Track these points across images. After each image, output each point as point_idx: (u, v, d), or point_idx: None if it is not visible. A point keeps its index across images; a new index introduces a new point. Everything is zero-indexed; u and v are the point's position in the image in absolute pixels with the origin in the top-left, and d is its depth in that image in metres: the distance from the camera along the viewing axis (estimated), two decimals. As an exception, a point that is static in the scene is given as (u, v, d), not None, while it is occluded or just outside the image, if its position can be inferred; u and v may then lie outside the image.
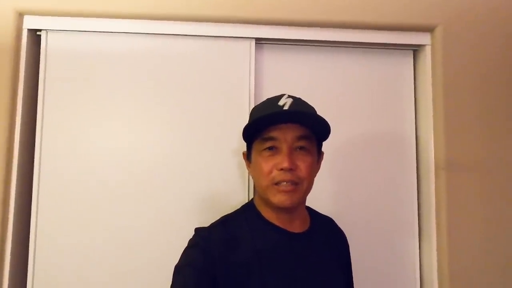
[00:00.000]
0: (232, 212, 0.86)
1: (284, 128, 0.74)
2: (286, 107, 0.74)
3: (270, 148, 0.75)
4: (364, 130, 1.24)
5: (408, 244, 1.23)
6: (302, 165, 0.74)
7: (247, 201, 1.09)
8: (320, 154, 0.83)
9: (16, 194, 1.07)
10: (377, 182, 1.23)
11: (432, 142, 1.19)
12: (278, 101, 0.76)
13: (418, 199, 1.24)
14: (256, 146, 0.78)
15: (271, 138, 0.75)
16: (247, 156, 0.84)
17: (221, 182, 1.14)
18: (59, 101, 1.12)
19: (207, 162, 1.14)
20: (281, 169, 0.73)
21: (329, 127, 0.76)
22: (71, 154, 1.11)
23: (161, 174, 1.13)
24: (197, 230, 0.80)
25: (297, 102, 0.77)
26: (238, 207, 0.88)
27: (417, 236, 1.23)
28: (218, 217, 0.85)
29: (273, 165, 0.74)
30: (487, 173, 1.17)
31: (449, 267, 1.12)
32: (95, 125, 1.13)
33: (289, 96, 0.77)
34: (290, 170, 0.73)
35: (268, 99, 0.81)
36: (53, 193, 1.09)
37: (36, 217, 1.09)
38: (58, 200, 1.09)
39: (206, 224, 0.82)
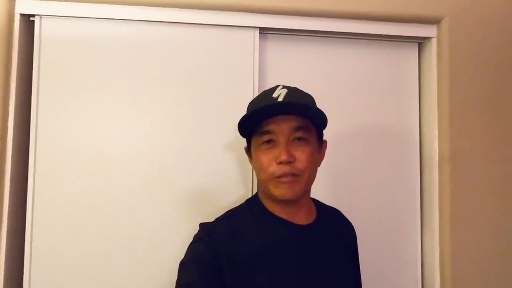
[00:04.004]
0: (237, 206, 0.85)
1: (280, 120, 0.73)
2: (280, 99, 0.73)
3: (267, 142, 0.75)
4: (367, 123, 1.23)
5: (410, 236, 1.23)
6: (301, 156, 0.73)
7: (249, 196, 1.09)
8: (321, 143, 0.81)
9: (10, 186, 1.03)
10: (379, 175, 1.22)
11: (437, 136, 1.19)
12: (273, 93, 0.75)
13: (421, 193, 1.25)
14: (255, 141, 0.78)
15: (268, 132, 0.74)
16: (248, 151, 0.83)
17: (223, 176, 1.11)
18: (54, 90, 1.07)
19: (209, 156, 1.11)
20: (280, 163, 0.72)
21: (324, 116, 0.75)
22: (66, 145, 1.07)
23: (160, 168, 1.09)
24: (202, 225, 0.80)
25: (292, 92, 0.75)
26: (239, 202, 0.87)
27: (419, 229, 1.24)
28: (218, 213, 0.84)
29: (272, 158, 0.73)
30: (491, 167, 1.17)
31: (451, 259, 1.13)
32: (91, 116, 1.08)
33: (284, 87, 0.76)
34: (288, 162, 0.72)
35: (263, 92, 0.80)
36: (48, 183, 1.05)
37: (32, 218, 1.04)
38: (54, 191, 1.05)
39: (207, 219, 0.82)
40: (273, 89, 0.77)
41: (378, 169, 1.22)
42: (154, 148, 1.10)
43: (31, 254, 1.04)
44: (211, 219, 0.82)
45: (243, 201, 0.88)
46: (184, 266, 0.72)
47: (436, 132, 1.19)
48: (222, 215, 0.82)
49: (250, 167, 1.12)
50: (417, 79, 1.27)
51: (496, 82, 1.18)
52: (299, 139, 0.74)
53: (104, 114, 1.09)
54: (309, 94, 0.81)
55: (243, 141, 1.10)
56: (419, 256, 1.23)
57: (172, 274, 1.00)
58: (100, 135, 1.08)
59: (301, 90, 0.80)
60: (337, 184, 1.20)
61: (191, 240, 0.77)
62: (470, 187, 1.15)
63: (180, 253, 0.76)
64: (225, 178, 1.11)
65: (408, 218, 1.24)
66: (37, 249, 1.04)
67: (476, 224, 1.15)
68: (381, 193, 1.22)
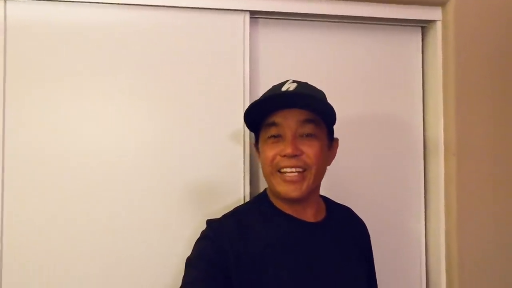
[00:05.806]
0: (244, 203, 0.86)
1: (287, 113, 0.72)
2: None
3: (274, 136, 0.73)
4: (368, 112, 1.17)
5: (413, 227, 1.19)
6: (309, 151, 0.71)
7: (240, 192, 1.03)
8: (332, 140, 0.80)
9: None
10: (381, 166, 1.17)
11: (442, 125, 1.12)
12: (282, 87, 0.74)
13: (425, 183, 1.19)
14: (262, 135, 0.77)
15: (274, 124, 0.73)
16: (256, 146, 0.82)
17: (210, 171, 1.03)
18: (23, 80, 0.96)
19: (196, 150, 1.02)
20: (284, 155, 0.71)
21: (333, 110, 0.72)
22: (39, 142, 0.97)
23: (144, 163, 1.00)
24: (209, 221, 0.78)
25: (302, 86, 0.74)
26: (229, 197, 0.87)
27: (423, 220, 1.19)
28: (209, 211, 0.83)
29: (277, 151, 0.72)
30: (499, 156, 1.11)
31: (458, 251, 1.08)
32: (67, 108, 0.98)
33: (294, 81, 0.75)
34: (294, 156, 0.70)
35: (273, 86, 0.79)
36: (20, 184, 0.96)
37: (2, 219, 0.95)
38: (27, 193, 0.96)
39: (202, 218, 0.80)
40: (282, 83, 0.75)
41: (380, 159, 1.17)
42: (137, 142, 1.01)
43: (1, 254, 0.94)
44: (207, 217, 0.79)
45: (242, 199, 0.86)
46: (190, 263, 0.72)
47: (442, 121, 1.13)
48: (229, 212, 0.81)
49: (246, 162, 1.05)
50: (421, 65, 1.20)
51: (505, 68, 1.12)
52: (307, 133, 0.72)
53: (82, 107, 0.99)
54: (321, 90, 0.79)
55: (234, 134, 1.03)
56: (423, 248, 1.19)
57: (173, 272, 0.98)
58: (77, 130, 0.98)
59: (311, 85, 0.78)
60: (338, 175, 1.13)
61: (191, 238, 0.78)
62: (477, 177, 1.10)
63: (183, 251, 0.76)
64: (214, 172, 1.03)
65: (412, 209, 1.19)
66: (9, 251, 0.95)
67: (483, 215, 1.10)
68: (384, 184, 1.17)
